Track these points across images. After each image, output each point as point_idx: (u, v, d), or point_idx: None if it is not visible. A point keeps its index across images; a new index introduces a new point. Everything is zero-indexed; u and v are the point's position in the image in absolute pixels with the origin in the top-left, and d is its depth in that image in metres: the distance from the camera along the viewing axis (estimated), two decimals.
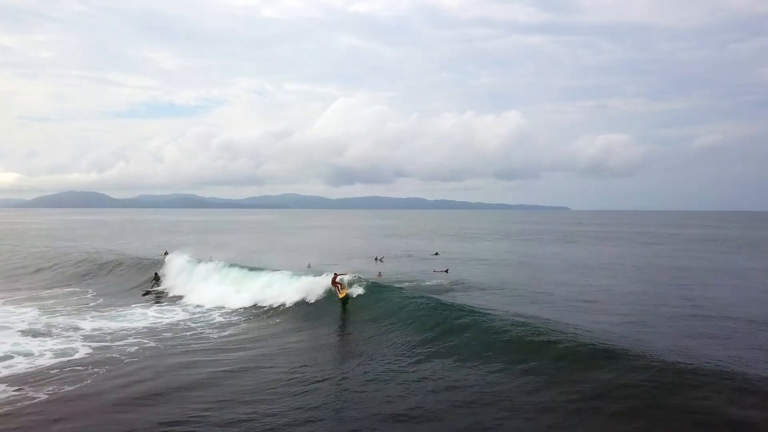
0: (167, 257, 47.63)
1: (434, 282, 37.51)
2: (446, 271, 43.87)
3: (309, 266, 45.57)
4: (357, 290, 26.07)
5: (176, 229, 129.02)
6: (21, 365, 17.80)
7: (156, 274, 40.50)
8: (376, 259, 55.20)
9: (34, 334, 22.25)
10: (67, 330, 23.01)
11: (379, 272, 41.41)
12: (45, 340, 21.03)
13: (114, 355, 19.13)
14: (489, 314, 20.80)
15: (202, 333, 23.46)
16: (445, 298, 26.06)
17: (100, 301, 31.76)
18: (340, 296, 25.34)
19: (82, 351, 19.42)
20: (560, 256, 59.14)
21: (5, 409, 14.28)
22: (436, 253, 61.29)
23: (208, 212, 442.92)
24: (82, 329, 23.19)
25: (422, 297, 24.45)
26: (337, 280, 26.16)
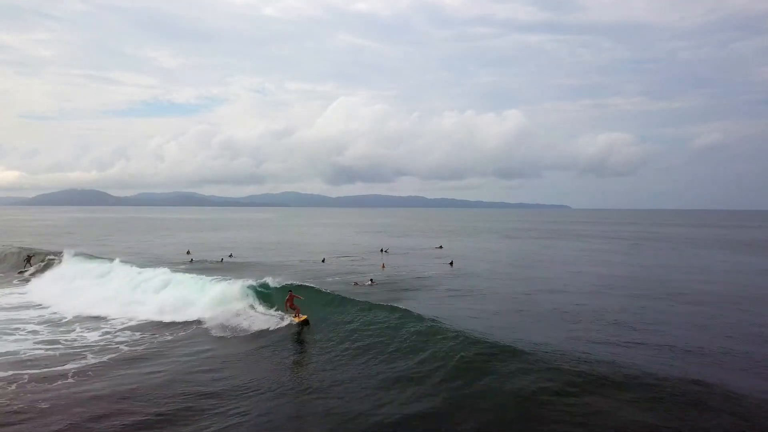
0: (189, 255, 52.39)
1: (437, 272, 41.76)
2: (451, 263, 47.35)
3: (323, 261, 49.96)
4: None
5: (181, 226, 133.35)
6: None
7: (28, 256, 46.38)
8: (381, 250, 59.70)
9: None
10: None
11: (383, 264, 45.25)
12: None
13: None
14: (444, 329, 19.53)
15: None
16: (416, 304, 25.22)
17: None
18: (297, 320, 21.95)
19: None
20: (550, 253, 63.70)
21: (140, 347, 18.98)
22: (440, 247, 65.73)
23: (209, 210, 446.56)
24: None
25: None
26: (295, 302, 22.54)
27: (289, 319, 22.49)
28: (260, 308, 25.26)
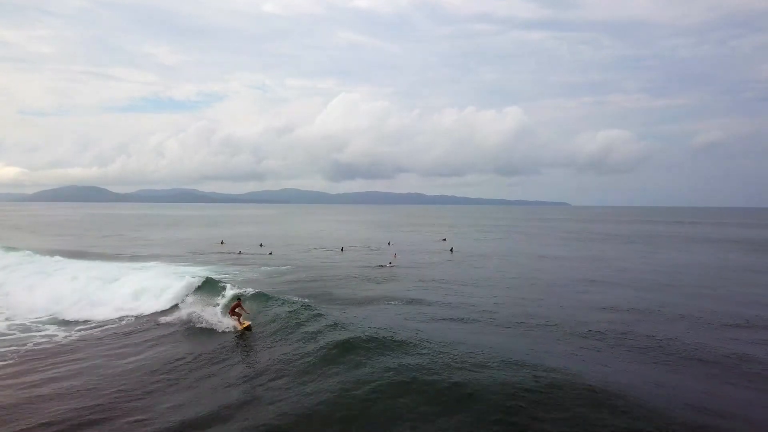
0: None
1: (440, 259, 49.78)
2: (451, 250, 56.20)
3: (342, 250, 57.45)
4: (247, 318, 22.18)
5: (196, 222, 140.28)
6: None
7: None
8: (389, 243, 67.19)
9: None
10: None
11: (395, 254, 52.51)
12: None
13: None
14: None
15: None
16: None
17: None
18: (240, 327, 21.44)
19: None
20: (533, 245, 71.25)
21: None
22: (444, 239, 73.06)
23: (211, 207, 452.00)
24: None
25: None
26: (238, 310, 22.13)
27: (231, 326, 22.11)
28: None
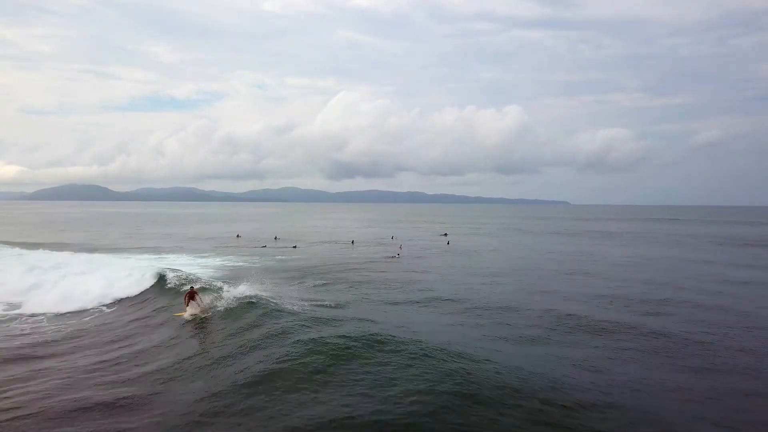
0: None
1: (439, 250, 54.40)
2: (448, 243, 62.10)
3: (353, 242, 61.67)
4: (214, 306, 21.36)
5: (206, 219, 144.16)
6: None
7: None
8: (392, 237, 71.43)
9: None
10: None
11: (400, 245, 56.90)
12: None
13: None
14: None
15: None
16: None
17: None
18: (179, 314, 21.06)
19: None
20: (519, 241, 75.36)
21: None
22: (445, 234, 77.33)
23: (214, 205, 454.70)
24: None
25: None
26: (197, 299, 21.37)
27: (189, 313, 21.25)
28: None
